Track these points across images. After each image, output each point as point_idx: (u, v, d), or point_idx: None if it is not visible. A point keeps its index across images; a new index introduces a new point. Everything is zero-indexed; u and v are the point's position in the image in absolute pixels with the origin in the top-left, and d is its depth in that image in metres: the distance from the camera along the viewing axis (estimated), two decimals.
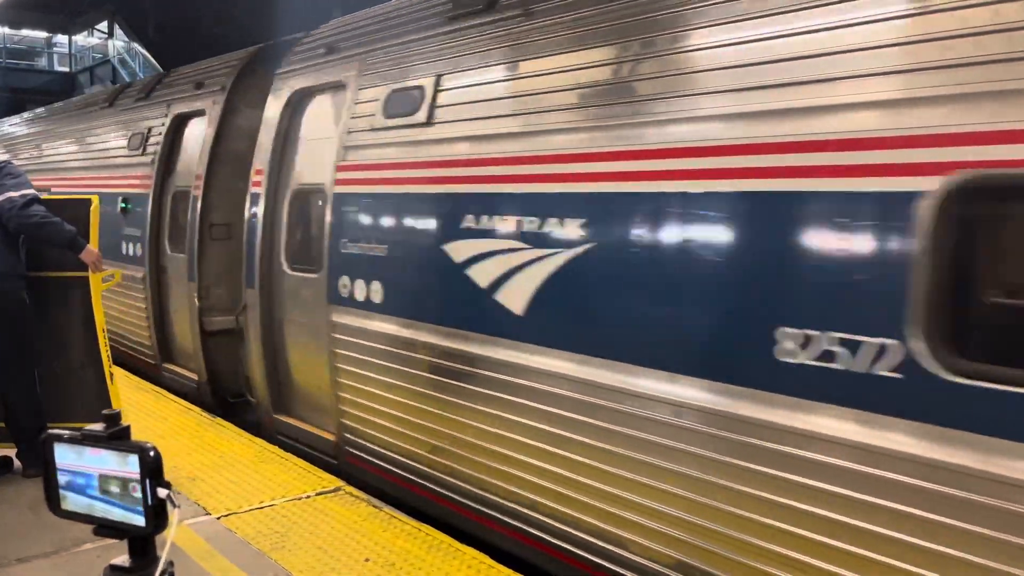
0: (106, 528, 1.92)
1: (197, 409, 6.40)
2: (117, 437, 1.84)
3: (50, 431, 1.98)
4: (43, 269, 4.92)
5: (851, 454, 2.61)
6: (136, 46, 29.14)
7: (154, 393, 6.91)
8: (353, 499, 4.56)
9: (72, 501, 1.93)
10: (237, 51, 7.55)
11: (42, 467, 4.85)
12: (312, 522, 4.24)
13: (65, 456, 1.88)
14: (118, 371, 7.60)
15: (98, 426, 1.87)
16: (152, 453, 1.81)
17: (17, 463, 4.93)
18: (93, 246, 4.79)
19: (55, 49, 36.19)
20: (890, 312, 2.50)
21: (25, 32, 35.09)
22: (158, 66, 25.17)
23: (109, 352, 4.90)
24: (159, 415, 6.21)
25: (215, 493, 4.63)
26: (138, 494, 1.79)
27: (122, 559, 1.96)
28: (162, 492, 1.79)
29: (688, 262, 3.15)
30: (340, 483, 4.80)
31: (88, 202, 4.89)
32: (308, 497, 4.58)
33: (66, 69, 35.21)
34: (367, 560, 3.83)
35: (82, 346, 4.94)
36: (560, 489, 3.67)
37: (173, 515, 1.84)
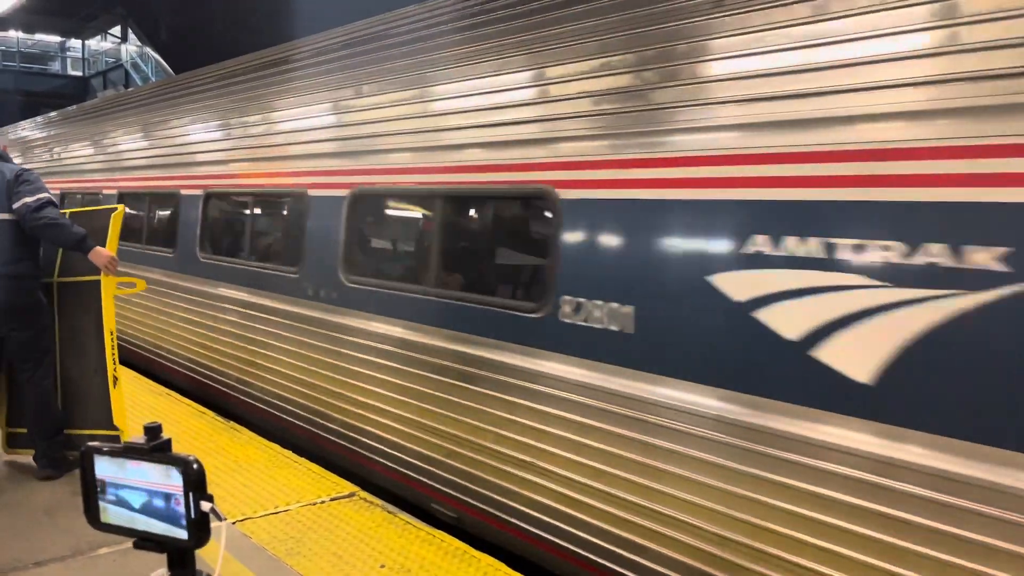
0: (147, 542, 1.89)
1: (211, 413, 6.40)
2: (159, 450, 1.82)
3: (89, 444, 1.96)
4: (68, 274, 5.06)
5: None
6: (148, 50, 29.30)
7: (166, 396, 6.91)
8: (368, 505, 4.54)
9: (113, 514, 1.90)
10: None
11: (56, 470, 5.02)
12: (327, 528, 4.23)
13: (105, 468, 1.86)
14: (129, 373, 7.63)
15: (140, 438, 1.85)
16: (195, 466, 1.79)
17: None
18: (110, 251, 4.87)
19: (68, 53, 36.41)
20: None
21: (39, 36, 35.32)
22: (170, 70, 25.32)
23: (116, 356, 4.92)
24: (172, 419, 6.20)
25: (229, 498, 4.62)
26: (181, 507, 1.77)
27: (160, 572, 1.94)
28: (205, 505, 1.77)
29: None
30: (355, 488, 4.78)
31: (112, 210, 4.99)
32: (323, 502, 4.56)
33: (79, 73, 35.45)
34: (382, 566, 3.81)
35: (96, 351, 4.97)
36: None
37: (221, 528, 1.82)
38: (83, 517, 2.00)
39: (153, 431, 1.84)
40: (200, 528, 1.80)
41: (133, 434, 5.01)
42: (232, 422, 6.17)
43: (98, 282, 4.88)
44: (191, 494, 1.77)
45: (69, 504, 4.43)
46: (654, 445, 3.33)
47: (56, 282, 5.10)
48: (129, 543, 1.97)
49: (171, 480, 1.79)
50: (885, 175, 2.69)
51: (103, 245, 4.82)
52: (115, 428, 4.81)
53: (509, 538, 4.13)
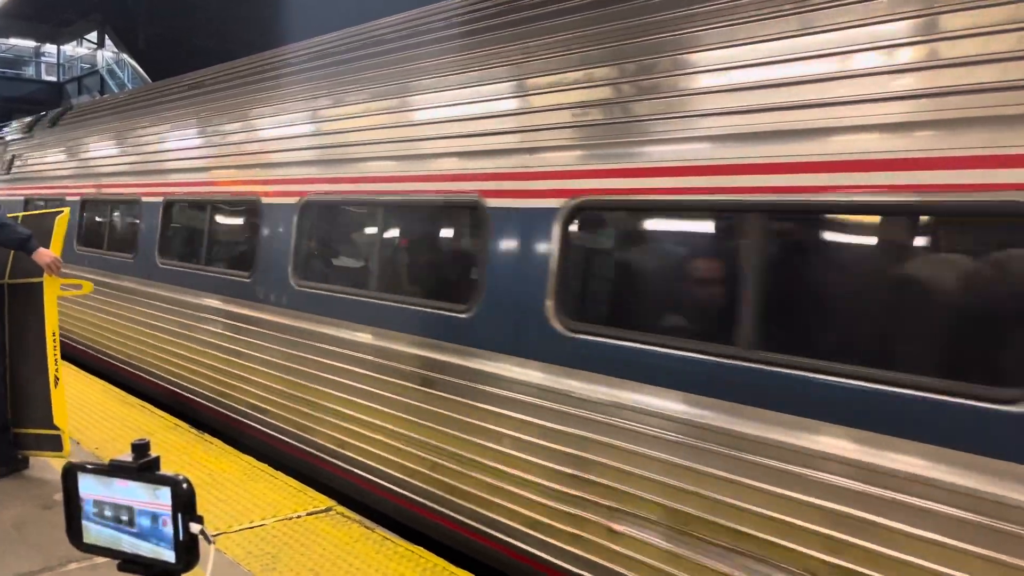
0: (133, 564, 1.82)
1: (185, 425, 6.30)
2: (147, 468, 1.77)
3: (72, 461, 1.90)
4: (19, 276, 5.06)
5: None
6: (125, 57, 29.01)
7: (140, 408, 6.79)
8: (345, 520, 4.48)
9: (96, 534, 1.83)
10: None
11: (3, 466, 5.06)
12: (303, 543, 4.16)
13: (90, 486, 1.80)
14: (100, 383, 7.51)
15: (127, 456, 1.79)
16: (185, 486, 1.73)
17: None
18: (54, 252, 4.89)
19: (43, 59, 35.99)
20: None
21: (13, 41, 34.89)
22: (147, 77, 25.09)
23: (58, 356, 4.87)
24: (145, 431, 6.09)
25: (204, 512, 4.48)
26: (168, 528, 1.71)
27: None
28: (195, 527, 1.72)
29: None
30: (331, 503, 4.72)
31: (58, 212, 5.02)
32: (299, 517, 4.50)
33: (54, 79, 35.03)
34: None
35: (40, 352, 4.94)
36: None
37: (210, 551, 1.76)
38: (53, 532, 1.94)
39: (141, 448, 1.79)
40: (188, 551, 1.75)
41: (74, 434, 5.03)
42: (205, 434, 6.08)
43: (42, 283, 4.84)
44: (180, 515, 1.71)
45: (38, 519, 4.33)
46: None
47: (7, 284, 5.08)
48: (100, 560, 1.92)
49: (159, 499, 1.73)
50: None
51: (48, 247, 4.83)
52: (55, 428, 4.81)
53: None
